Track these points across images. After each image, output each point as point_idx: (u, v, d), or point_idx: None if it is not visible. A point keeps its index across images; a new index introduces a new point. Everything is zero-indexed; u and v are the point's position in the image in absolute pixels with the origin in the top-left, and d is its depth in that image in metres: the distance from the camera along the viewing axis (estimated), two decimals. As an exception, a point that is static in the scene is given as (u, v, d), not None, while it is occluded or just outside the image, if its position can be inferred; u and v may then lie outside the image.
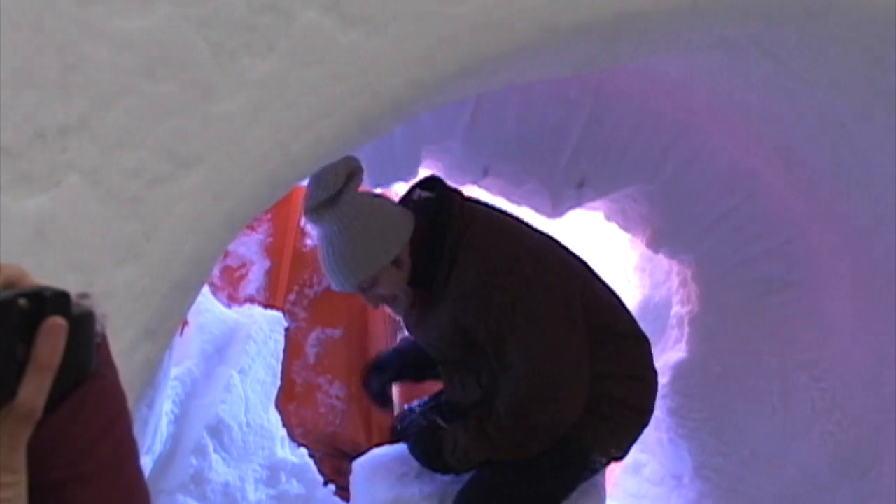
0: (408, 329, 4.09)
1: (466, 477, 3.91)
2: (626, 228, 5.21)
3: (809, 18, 2.97)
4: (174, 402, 4.93)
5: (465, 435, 3.78)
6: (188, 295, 2.47)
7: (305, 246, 6.41)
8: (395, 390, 5.32)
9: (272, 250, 6.37)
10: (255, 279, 6.38)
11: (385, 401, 4.29)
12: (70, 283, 1.15)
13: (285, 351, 5.68)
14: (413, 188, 3.94)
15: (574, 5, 2.65)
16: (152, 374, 2.62)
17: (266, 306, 5.98)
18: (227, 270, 6.34)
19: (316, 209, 3.53)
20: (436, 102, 2.76)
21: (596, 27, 2.72)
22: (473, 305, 3.62)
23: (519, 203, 4.86)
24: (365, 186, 5.94)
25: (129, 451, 1.18)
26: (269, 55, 2.38)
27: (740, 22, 2.94)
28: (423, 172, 4.69)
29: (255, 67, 2.37)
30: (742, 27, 3.00)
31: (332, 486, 5.42)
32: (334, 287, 3.71)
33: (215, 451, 4.95)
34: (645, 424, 3.91)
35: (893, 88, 3.29)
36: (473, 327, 3.64)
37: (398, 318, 4.15)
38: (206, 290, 5.80)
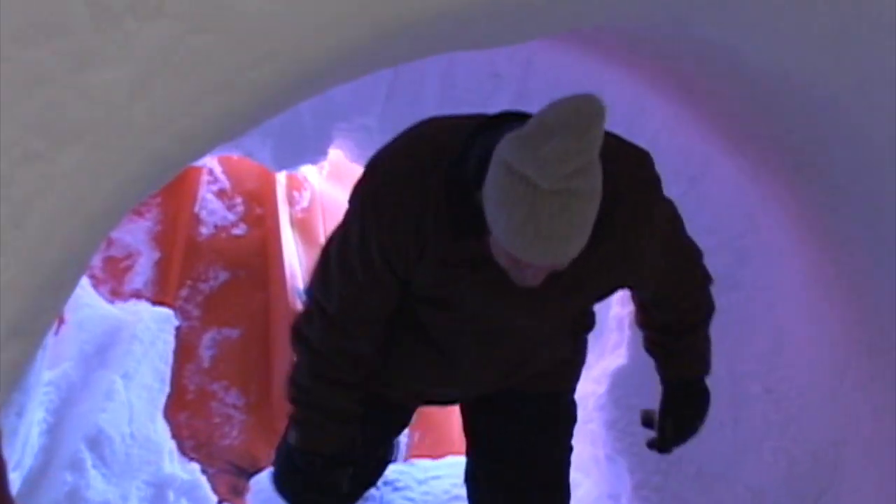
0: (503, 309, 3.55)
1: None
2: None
3: None
4: (47, 409, 4.90)
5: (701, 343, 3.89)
6: (63, 288, 2.45)
7: (200, 234, 6.39)
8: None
9: (162, 239, 6.33)
10: (142, 272, 6.36)
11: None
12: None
13: (175, 353, 5.67)
14: None
15: None
16: (21, 378, 2.60)
17: (154, 302, 5.96)
18: (109, 261, 6.30)
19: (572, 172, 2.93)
20: (349, 74, 2.76)
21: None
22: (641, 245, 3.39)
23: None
24: (267, 166, 5.96)
25: None
26: (157, 19, 2.35)
27: None
28: (334, 153, 4.70)
29: (141, 33, 2.34)
30: None
31: (226, 506, 5.43)
32: (548, 259, 3.02)
33: (94, 465, 4.93)
34: None
35: (863, 66, 3.35)
36: (639, 272, 3.49)
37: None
38: (85, 282, 5.76)
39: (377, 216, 3.23)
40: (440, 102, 4.58)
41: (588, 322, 3.88)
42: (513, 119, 3.13)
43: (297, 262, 6.28)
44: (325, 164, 6.55)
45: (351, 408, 3.63)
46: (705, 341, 3.91)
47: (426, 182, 3.18)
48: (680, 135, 4.79)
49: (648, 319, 3.89)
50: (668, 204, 3.54)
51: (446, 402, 4.18)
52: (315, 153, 4.55)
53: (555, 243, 2.87)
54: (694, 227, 4.82)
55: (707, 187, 4.91)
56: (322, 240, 5.45)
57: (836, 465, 4.62)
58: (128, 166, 2.37)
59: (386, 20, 2.58)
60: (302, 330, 3.56)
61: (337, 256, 3.40)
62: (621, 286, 3.62)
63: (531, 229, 2.82)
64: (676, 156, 4.82)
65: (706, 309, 3.85)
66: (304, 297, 3.67)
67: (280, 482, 3.88)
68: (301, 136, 4.47)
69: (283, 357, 5.44)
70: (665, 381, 3.98)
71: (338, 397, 3.58)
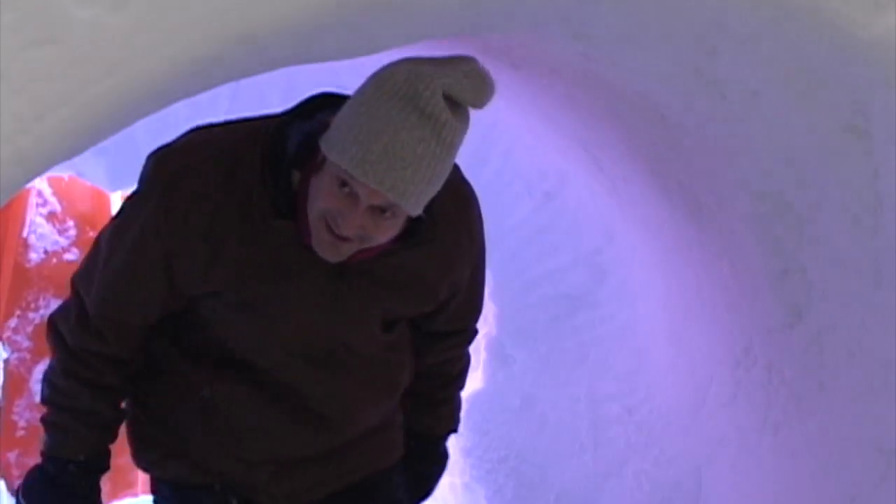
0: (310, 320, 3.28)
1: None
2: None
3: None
4: None
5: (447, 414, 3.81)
6: None
7: (29, 261, 6.21)
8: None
9: (-14, 267, 6.20)
10: (-35, 300, 6.22)
11: None
12: None
13: (4, 387, 5.55)
14: None
15: None
16: None
17: (-20, 334, 5.84)
18: (-71, 290, 6.16)
19: (455, 103, 2.86)
20: (193, 88, 2.73)
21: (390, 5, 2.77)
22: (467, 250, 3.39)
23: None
24: (100, 186, 5.87)
25: None
26: (-8, 32, 2.30)
27: None
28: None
29: (-24, 46, 2.29)
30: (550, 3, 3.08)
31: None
32: (388, 181, 2.79)
33: (-82, 509, 4.83)
34: None
35: (719, 77, 3.41)
36: (442, 291, 3.38)
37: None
38: None
39: (167, 198, 3.08)
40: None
41: (404, 378, 3.57)
42: (324, 104, 3.14)
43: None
44: (161, 184, 6.53)
45: (106, 411, 3.40)
46: (459, 400, 3.88)
47: (233, 167, 3.07)
48: (535, 148, 4.81)
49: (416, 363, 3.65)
50: (483, 242, 3.54)
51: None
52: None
53: (402, 165, 2.76)
54: (549, 243, 4.86)
55: (563, 202, 4.93)
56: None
57: (700, 487, 4.69)
58: (-40, 187, 2.32)
59: (230, 32, 2.56)
60: (57, 324, 3.34)
61: (108, 242, 3.22)
62: (420, 306, 3.41)
63: (385, 140, 2.74)
64: (531, 170, 4.85)
65: (467, 362, 3.81)
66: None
67: (28, 495, 3.50)
68: (136, 155, 4.38)
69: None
70: (411, 436, 3.74)
71: (92, 399, 3.34)
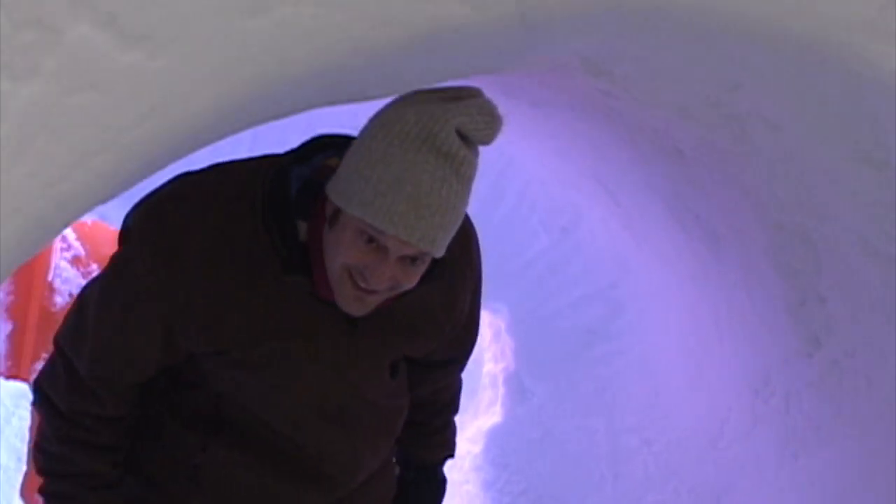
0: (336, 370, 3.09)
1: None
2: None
3: (641, 31, 3.05)
4: None
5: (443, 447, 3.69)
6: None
7: (55, 304, 6.25)
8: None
9: (14, 310, 6.18)
10: (-6, 345, 6.22)
11: None
12: None
13: (32, 429, 5.52)
14: None
15: (387, 19, 2.64)
16: None
17: (8, 377, 5.82)
18: (-42, 335, 6.16)
19: (468, 144, 2.70)
20: (229, 129, 2.71)
21: (413, 41, 2.73)
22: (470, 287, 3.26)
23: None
24: (112, 228, 5.89)
25: None
26: (32, 78, 2.29)
27: (573, 37, 3.01)
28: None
29: (16, 93, 2.28)
30: (573, 43, 3.08)
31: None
32: (419, 230, 2.63)
33: (-50, 548, 4.80)
34: None
35: (740, 111, 3.41)
36: (459, 312, 3.25)
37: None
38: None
39: (160, 256, 2.82)
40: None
41: (403, 420, 3.39)
42: (321, 146, 2.96)
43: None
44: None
45: (107, 471, 3.10)
46: (454, 425, 3.73)
47: (231, 216, 2.82)
48: (551, 184, 4.81)
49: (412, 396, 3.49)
50: (481, 269, 3.36)
51: None
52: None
53: (430, 213, 2.59)
54: (566, 277, 4.84)
55: (579, 236, 4.93)
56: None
57: None
58: (4, 234, 2.30)
59: (263, 75, 2.55)
60: (45, 389, 3.07)
61: (98, 304, 2.95)
62: (428, 344, 3.22)
63: (409, 188, 2.56)
64: (547, 205, 4.84)
65: (459, 386, 3.70)
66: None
67: None
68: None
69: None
70: (409, 466, 3.65)
71: (91, 460, 3.06)
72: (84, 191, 2.41)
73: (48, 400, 3.04)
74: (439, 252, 2.68)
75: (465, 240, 3.14)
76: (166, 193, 2.89)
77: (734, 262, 4.29)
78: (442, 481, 3.78)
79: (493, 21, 2.75)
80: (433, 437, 3.65)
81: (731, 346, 4.51)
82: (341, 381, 3.03)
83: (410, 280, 2.74)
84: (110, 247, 6.12)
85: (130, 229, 2.90)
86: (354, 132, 3.03)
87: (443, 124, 2.62)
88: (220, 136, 2.75)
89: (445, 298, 3.12)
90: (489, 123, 2.69)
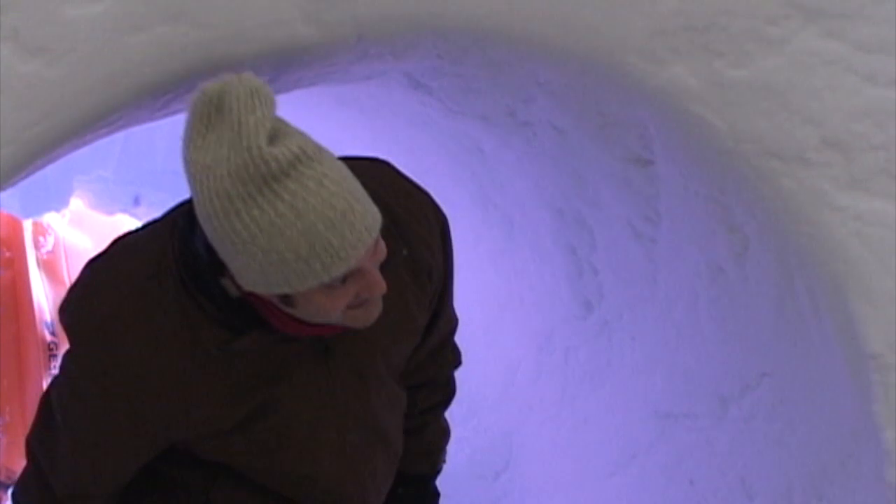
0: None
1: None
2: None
3: (453, 52, 3.18)
4: None
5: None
6: None
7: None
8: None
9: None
10: None
11: None
12: None
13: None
14: None
15: (245, 39, 2.74)
16: None
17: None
18: None
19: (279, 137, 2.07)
20: (112, 131, 2.82)
21: (265, 57, 2.74)
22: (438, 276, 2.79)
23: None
24: (15, 214, 5.86)
25: None
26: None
27: (399, 56, 3.14)
28: (75, 201, 4.70)
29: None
30: (399, 61, 3.20)
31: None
32: (365, 224, 2.08)
33: None
34: None
35: (533, 119, 3.64)
36: (430, 300, 2.78)
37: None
38: None
39: (108, 353, 2.35)
40: (168, 156, 4.62)
41: (400, 447, 2.90)
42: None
43: (44, 298, 6.13)
44: (67, 211, 6.53)
45: None
46: (444, 432, 3.29)
47: (152, 300, 2.34)
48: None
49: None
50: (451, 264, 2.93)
51: None
52: (58, 202, 4.59)
53: (344, 207, 2.04)
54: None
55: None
56: (66, 277, 5.47)
57: (511, 449, 4.83)
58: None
59: (145, 84, 2.64)
60: (19, 500, 2.70)
61: (62, 411, 2.50)
62: (409, 339, 2.74)
63: (311, 219, 2.01)
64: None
65: (450, 390, 3.25)
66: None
67: None
68: (45, 187, 4.48)
69: (35, 380, 5.35)
70: (400, 480, 3.02)
71: None
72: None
73: None
74: (379, 223, 2.14)
75: (422, 218, 2.70)
76: (84, 290, 2.47)
77: (524, 242, 4.56)
78: (435, 494, 3.32)
79: (333, 41, 2.86)
80: (422, 442, 3.14)
81: (521, 310, 4.82)
82: (333, 409, 2.59)
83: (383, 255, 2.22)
84: (4, 228, 5.98)
85: (70, 328, 2.47)
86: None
87: (245, 150, 1.98)
88: (102, 136, 2.86)
89: (413, 266, 2.59)
90: (254, 96, 2.01)
